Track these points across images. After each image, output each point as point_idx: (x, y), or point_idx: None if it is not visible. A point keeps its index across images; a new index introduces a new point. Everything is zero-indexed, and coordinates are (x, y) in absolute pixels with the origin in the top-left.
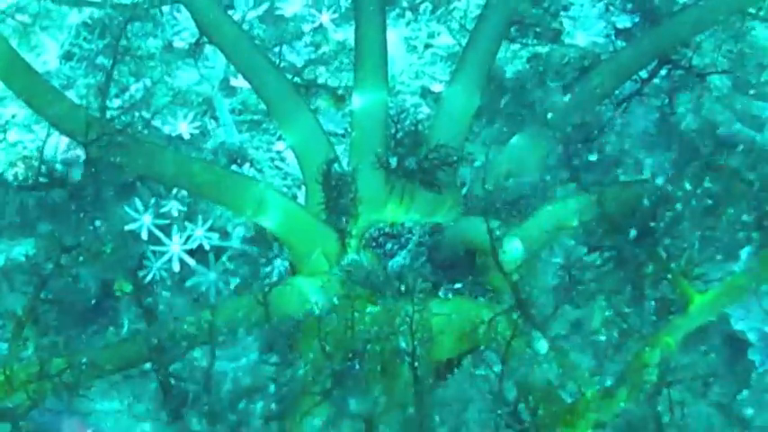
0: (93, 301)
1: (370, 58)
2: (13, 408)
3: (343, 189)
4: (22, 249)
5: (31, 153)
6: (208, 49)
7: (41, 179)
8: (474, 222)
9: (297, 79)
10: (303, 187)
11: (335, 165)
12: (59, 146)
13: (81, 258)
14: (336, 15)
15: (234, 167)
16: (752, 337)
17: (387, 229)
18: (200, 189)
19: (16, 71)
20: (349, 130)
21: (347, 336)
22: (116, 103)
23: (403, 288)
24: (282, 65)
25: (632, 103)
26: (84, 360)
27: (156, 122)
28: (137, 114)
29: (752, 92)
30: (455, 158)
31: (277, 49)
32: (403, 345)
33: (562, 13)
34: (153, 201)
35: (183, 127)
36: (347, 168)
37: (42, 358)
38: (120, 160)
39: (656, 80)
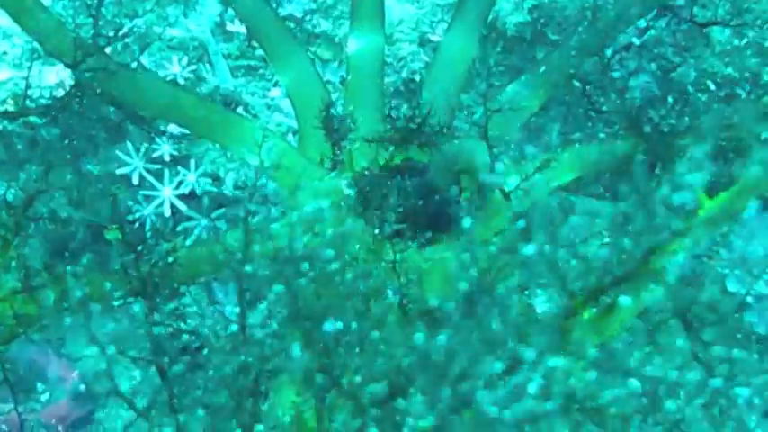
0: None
1: (367, 2)
2: None
3: (343, 131)
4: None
5: (22, 91)
6: None
7: (31, 117)
8: (475, 144)
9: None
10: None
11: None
12: (50, 84)
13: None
14: None
15: None
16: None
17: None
18: (192, 124)
19: None
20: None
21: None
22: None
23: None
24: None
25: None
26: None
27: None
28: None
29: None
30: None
31: None
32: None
33: None
34: (144, 145)
35: (176, 69)
36: (342, 112)
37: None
38: (109, 87)
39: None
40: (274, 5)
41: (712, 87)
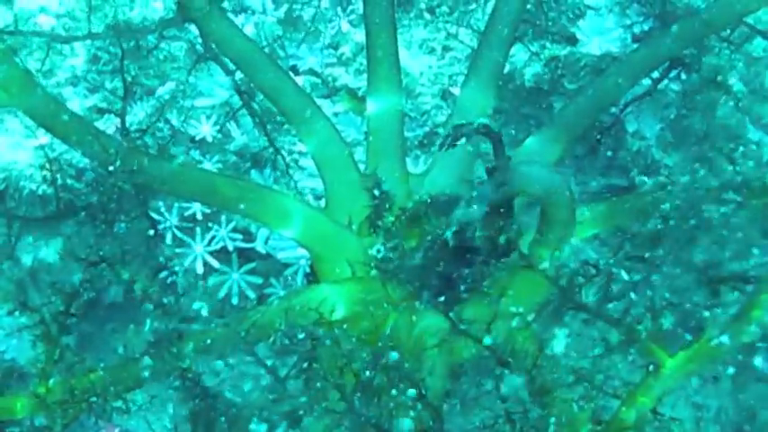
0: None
1: (383, 64)
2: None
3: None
4: (49, 250)
5: (59, 156)
6: None
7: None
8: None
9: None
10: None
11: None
12: None
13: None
14: (354, 17)
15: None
16: None
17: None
18: (225, 204)
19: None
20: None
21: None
22: (143, 107)
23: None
24: (302, 68)
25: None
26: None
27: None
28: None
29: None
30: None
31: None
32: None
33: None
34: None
35: (206, 129)
36: (365, 172)
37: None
38: (144, 182)
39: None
40: (295, 62)
41: None
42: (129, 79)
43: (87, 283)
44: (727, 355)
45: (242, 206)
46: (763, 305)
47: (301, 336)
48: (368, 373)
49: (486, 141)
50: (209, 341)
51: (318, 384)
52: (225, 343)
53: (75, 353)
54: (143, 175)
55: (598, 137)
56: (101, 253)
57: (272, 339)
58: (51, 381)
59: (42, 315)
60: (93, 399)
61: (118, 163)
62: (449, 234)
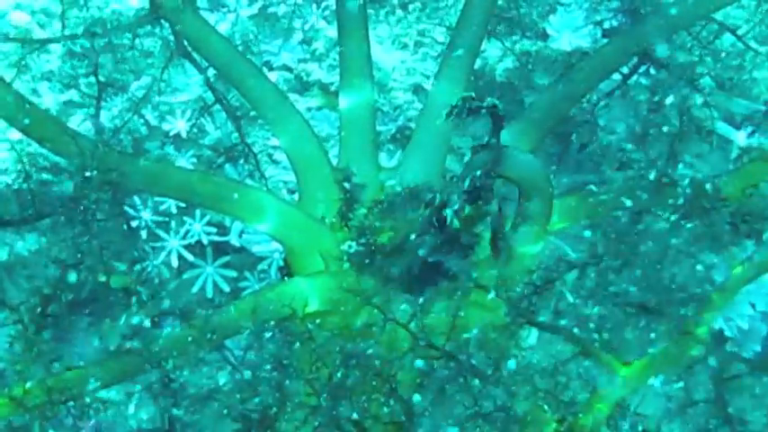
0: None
1: (355, 60)
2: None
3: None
4: (25, 245)
5: (36, 150)
6: None
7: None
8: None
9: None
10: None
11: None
12: None
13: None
14: (328, 12)
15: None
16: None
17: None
18: (199, 201)
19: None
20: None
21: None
22: (117, 103)
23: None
24: (275, 64)
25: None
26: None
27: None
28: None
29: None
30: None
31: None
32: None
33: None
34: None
35: (181, 125)
36: (338, 166)
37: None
38: (120, 182)
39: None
40: (268, 58)
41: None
42: (103, 78)
43: (65, 284)
44: (678, 367)
45: (216, 202)
46: (707, 322)
47: (275, 330)
48: (340, 367)
49: (459, 136)
50: (180, 338)
51: (290, 380)
52: (197, 340)
53: (52, 349)
54: (117, 174)
55: (570, 132)
56: (79, 255)
57: (245, 333)
58: (29, 384)
59: (21, 315)
60: (71, 403)
61: (95, 172)
62: (449, 212)
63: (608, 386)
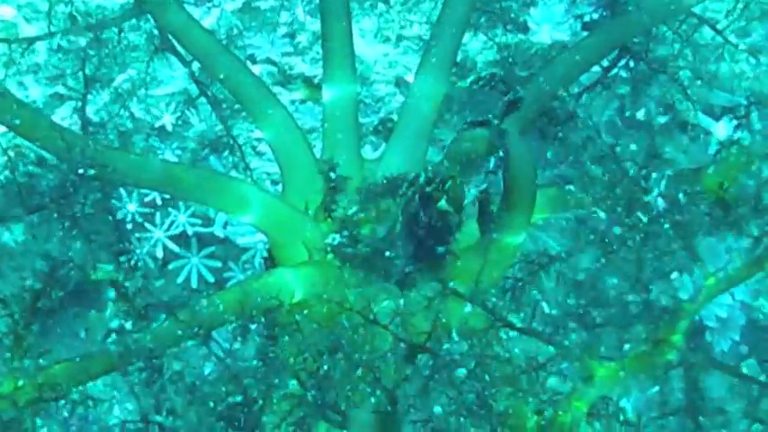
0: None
1: (338, 53)
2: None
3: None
4: (11, 235)
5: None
6: None
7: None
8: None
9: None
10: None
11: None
12: None
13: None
14: (311, 6)
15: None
16: None
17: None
18: (184, 193)
19: None
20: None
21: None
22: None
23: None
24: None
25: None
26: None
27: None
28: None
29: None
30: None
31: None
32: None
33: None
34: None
35: (167, 119)
36: (321, 158)
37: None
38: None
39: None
40: (252, 51)
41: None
42: (90, 72)
43: (54, 281)
44: (655, 369)
45: (201, 194)
46: (681, 330)
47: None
48: (324, 357)
49: (440, 127)
50: (168, 331)
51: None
52: (184, 330)
53: (40, 342)
54: (103, 167)
55: (550, 125)
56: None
57: (231, 325)
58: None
59: (12, 312)
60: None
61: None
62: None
63: (585, 386)
